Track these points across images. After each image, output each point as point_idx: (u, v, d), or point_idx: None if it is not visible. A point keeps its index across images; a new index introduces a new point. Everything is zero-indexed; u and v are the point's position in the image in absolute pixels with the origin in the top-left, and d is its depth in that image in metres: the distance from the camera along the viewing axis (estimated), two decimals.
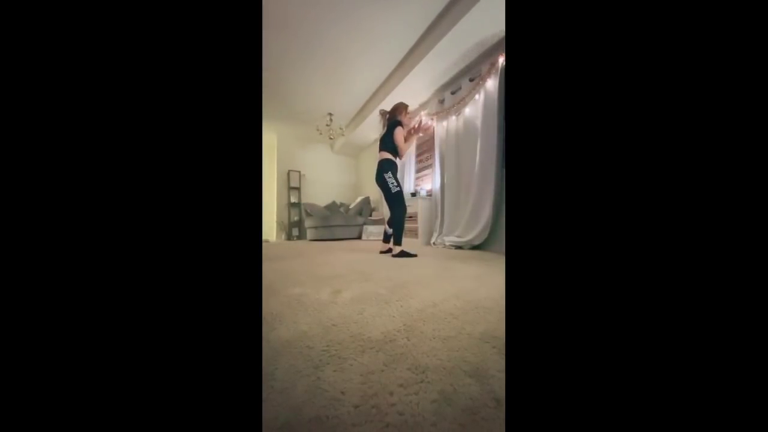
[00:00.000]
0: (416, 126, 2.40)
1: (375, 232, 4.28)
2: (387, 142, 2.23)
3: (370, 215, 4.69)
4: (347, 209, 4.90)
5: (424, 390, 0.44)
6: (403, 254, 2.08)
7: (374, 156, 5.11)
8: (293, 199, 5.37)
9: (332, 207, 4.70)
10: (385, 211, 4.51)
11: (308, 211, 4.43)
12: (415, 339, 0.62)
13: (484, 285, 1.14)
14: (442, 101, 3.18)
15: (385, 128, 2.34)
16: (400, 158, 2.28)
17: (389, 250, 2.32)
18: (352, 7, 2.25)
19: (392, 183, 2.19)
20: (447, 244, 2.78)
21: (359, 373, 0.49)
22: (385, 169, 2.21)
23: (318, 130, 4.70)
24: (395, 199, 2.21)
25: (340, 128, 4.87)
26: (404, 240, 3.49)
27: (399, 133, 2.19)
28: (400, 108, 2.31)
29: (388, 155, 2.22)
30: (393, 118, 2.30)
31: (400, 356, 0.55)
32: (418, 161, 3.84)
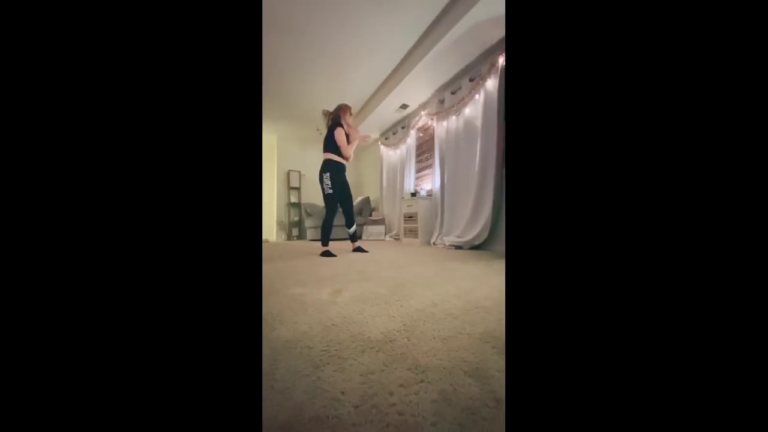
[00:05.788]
0: (364, 136, 2.52)
1: (375, 232, 4.28)
2: (329, 143, 2.29)
3: (370, 215, 4.69)
4: None
5: (424, 390, 0.44)
6: (327, 254, 2.19)
7: (375, 157, 5.11)
8: (293, 199, 5.38)
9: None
10: (383, 211, 4.51)
11: (308, 211, 4.43)
12: (415, 339, 0.62)
13: (483, 285, 1.14)
14: (442, 101, 3.18)
15: (327, 129, 2.39)
16: (346, 159, 2.34)
17: (358, 248, 2.48)
18: (352, 9, 2.25)
19: (327, 184, 2.27)
20: (447, 244, 2.78)
21: (359, 373, 0.49)
22: (324, 169, 2.29)
23: (318, 130, 4.70)
24: (325, 201, 2.32)
25: None
26: (404, 239, 3.50)
27: (338, 134, 2.25)
28: (343, 108, 2.37)
29: (330, 156, 2.29)
30: (335, 119, 2.34)
31: (400, 356, 0.55)
32: (418, 161, 3.84)
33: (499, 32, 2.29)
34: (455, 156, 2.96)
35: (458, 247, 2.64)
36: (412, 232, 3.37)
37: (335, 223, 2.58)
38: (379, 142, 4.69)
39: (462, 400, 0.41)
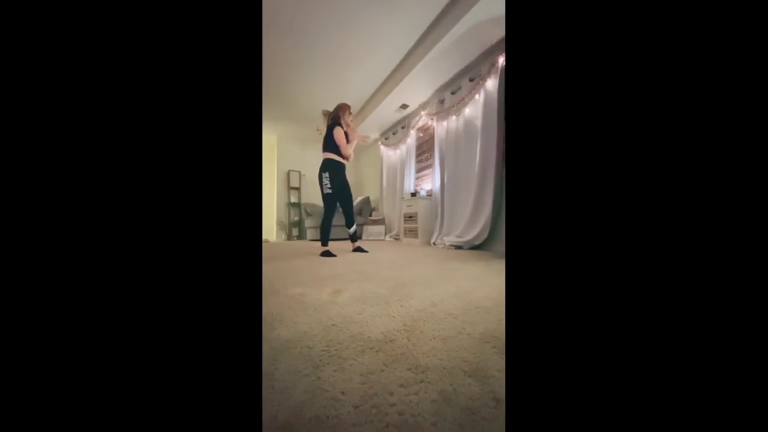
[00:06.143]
0: (363, 136, 2.56)
1: (375, 232, 4.28)
2: (328, 143, 2.29)
3: (370, 215, 4.69)
4: None
5: (424, 390, 0.44)
6: (327, 254, 2.18)
7: (375, 157, 5.11)
8: (293, 199, 5.38)
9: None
10: (383, 211, 4.51)
11: (308, 211, 4.43)
12: (415, 339, 0.62)
13: (483, 285, 1.14)
14: (442, 101, 3.18)
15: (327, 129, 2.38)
16: (346, 158, 2.33)
17: (358, 248, 2.47)
18: (352, 9, 2.25)
19: (326, 184, 2.27)
20: (447, 244, 2.78)
21: (359, 373, 0.49)
22: (323, 168, 2.29)
23: (318, 130, 4.70)
24: (324, 200, 2.30)
25: None
26: (404, 239, 3.50)
27: (338, 133, 2.24)
28: (343, 108, 2.35)
29: (329, 155, 2.28)
30: (335, 119, 2.33)
31: (400, 356, 0.55)
32: (418, 161, 3.84)
33: (499, 32, 2.29)
34: (455, 156, 2.96)
35: (458, 247, 2.64)
36: (412, 232, 3.37)
37: (335, 223, 2.59)
38: (379, 142, 4.69)
39: (462, 400, 0.41)
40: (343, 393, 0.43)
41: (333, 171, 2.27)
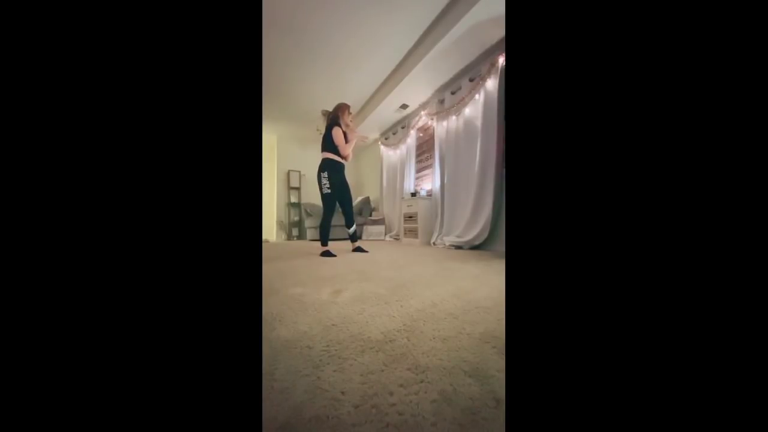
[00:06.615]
0: (362, 136, 2.56)
1: (375, 232, 4.28)
2: (327, 143, 2.29)
3: (370, 215, 4.69)
4: None
5: (424, 390, 0.44)
6: (327, 254, 2.19)
7: (375, 157, 5.11)
8: (293, 199, 5.38)
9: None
10: (383, 211, 4.51)
11: (308, 211, 4.43)
12: (415, 339, 0.62)
13: (483, 285, 1.14)
14: (442, 101, 3.18)
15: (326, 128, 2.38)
16: (344, 158, 2.33)
17: (358, 248, 2.48)
18: (352, 9, 2.25)
19: (324, 184, 2.26)
20: (447, 244, 2.78)
21: (359, 373, 0.49)
22: (322, 168, 2.28)
23: (318, 130, 4.67)
24: (323, 200, 2.30)
25: None
26: (404, 239, 3.50)
27: (336, 133, 2.24)
28: (342, 108, 2.35)
29: (328, 155, 2.28)
30: (334, 119, 2.33)
31: (400, 356, 0.55)
32: (418, 161, 3.84)
33: (499, 32, 2.29)
34: (455, 156, 2.96)
35: (458, 247, 2.64)
36: (412, 232, 3.37)
37: (335, 223, 2.59)
38: (379, 142, 4.69)
39: (462, 400, 0.41)
40: (343, 393, 0.43)
41: (332, 171, 2.27)
